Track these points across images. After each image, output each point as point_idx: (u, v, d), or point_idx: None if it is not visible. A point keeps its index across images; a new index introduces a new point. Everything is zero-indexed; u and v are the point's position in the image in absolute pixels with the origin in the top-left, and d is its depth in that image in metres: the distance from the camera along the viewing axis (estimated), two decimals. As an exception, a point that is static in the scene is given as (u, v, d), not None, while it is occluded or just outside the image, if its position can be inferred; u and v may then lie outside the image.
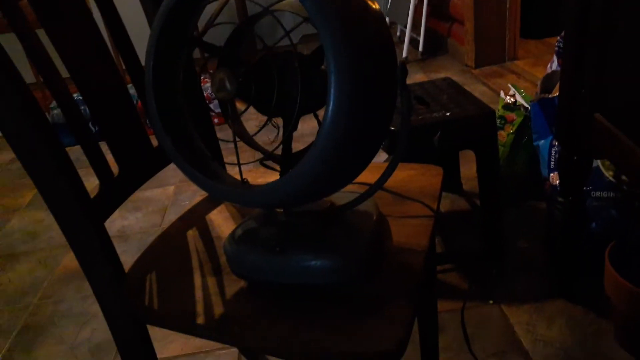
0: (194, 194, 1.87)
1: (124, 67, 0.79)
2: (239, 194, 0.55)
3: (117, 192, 0.69)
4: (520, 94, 1.54)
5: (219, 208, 0.81)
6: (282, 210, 0.66)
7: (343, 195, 0.65)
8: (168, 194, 1.91)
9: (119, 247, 0.65)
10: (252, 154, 0.62)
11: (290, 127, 0.60)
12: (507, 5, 2.65)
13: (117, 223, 1.74)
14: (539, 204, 1.51)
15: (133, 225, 1.73)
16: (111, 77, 0.73)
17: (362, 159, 0.56)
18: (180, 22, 0.59)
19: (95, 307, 1.38)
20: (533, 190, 1.52)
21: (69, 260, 1.60)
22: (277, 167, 0.64)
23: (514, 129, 1.50)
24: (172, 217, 1.74)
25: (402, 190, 0.77)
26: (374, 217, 0.66)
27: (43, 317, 1.37)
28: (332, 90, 0.49)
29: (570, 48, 1.00)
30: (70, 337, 1.29)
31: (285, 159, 0.62)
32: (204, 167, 0.58)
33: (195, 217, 0.80)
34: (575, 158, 1.08)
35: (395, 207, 0.74)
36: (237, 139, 0.64)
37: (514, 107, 1.51)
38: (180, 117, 0.61)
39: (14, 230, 1.84)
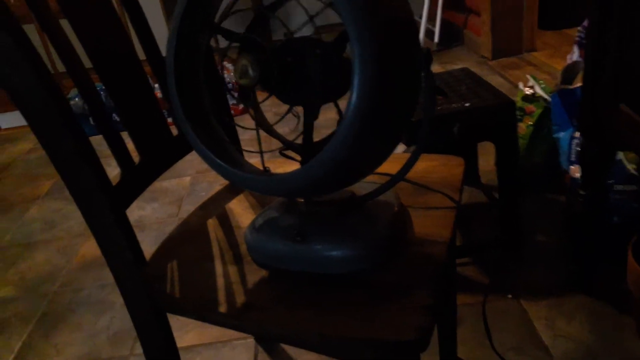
0: (211, 185, 1.87)
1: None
2: (261, 182, 0.55)
3: (138, 181, 0.69)
4: (539, 85, 1.51)
5: (238, 197, 0.81)
6: (302, 200, 0.65)
7: (364, 186, 0.64)
8: (184, 185, 1.92)
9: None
10: (269, 144, 0.62)
11: (311, 116, 0.60)
12: (526, -4, 2.61)
13: (134, 213, 1.76)
14: (557, 196, 1.49)
15: (150, 216, 1.74)
16: (132, 66, 0.73)
17: (385, 148, 0.55)
18: (201, 8, 0.58)
19: (113, 296, 1.39)
20: (552, 182, 1.50)
21: (87, 249, 1.62)
22: (297, 157, 0.63)
23: (534, 120, 1.48)
24: (188, 207, 1.75)
25: (423, 180, 0.76)
26: (395, 208, 0.66)
27: (62, 305, 1.39)
28: (356, 77, 0.48)
29: (594, 37, 0.98)
30: (88, 325, 1.30)
31: (306, 148, 0.62)
32: (225, 154, 0.58)
33: (215, 206, 0.80)
34: (598, 150, 1.06)
35: (417, 197, 0.73)
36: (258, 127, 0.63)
37: (533, 98, 1.49)
38: (200, 104, 0.61)
39: (33, 219, 1.86)
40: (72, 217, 1.82)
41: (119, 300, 1.36)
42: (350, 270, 0.60)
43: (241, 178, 0.55)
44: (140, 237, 1.75)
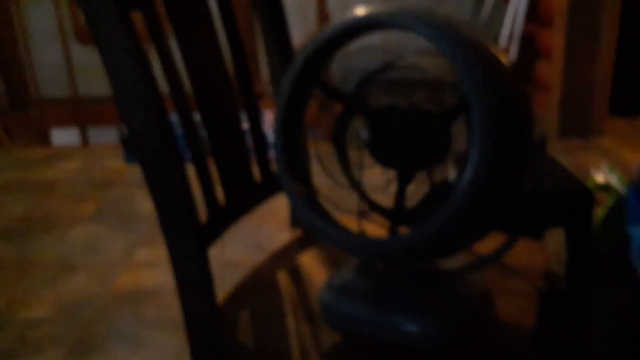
0: (257, 228, 1.83)
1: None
2: (356, 243, 0.54)
3: (221, 221, 0.70)
4: (615, 175, 1.47)
5: (309, 250, 0.80)
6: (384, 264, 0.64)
7: (451, 259, 0.63)
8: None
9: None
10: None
11: (406, 181, 0.59)
12: (598, 77, 2.57)
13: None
14: (623, 292, 1.40)
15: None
16: (229, 104, 0.74)
17: (489, 226, 0.54)
18: (314, 67, 0.60)
19: (149, 333, 1.35)
20: (618, 276, 1.42)
21: (126, 279, 1.59)
22: (375, 219, 0.63)
23: (605, 211, 1.42)
24: (231, 249, 1.70)
25: (506, 263, 0.73)
26: (479, 288, 0.63)
27: (97, 334, 1.36)
28: (474, 153, 0.48)
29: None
30: (123, 360, 1.28)
31: (398, 213, 0.61)
32: (320, 211, 0.58)
33: (286, 257, 0.79)
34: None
35: (498, 279, 0.70)
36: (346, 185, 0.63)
37: (607, 188, 1.44)
38: (300, 157, 0.61)
39: (75, 241, 1.84)
40: (112, 245, 1.80)
41: (155, 338, 1.33)
42: (427, 345, 0.58)
43: (336, 238, 0.55)
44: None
